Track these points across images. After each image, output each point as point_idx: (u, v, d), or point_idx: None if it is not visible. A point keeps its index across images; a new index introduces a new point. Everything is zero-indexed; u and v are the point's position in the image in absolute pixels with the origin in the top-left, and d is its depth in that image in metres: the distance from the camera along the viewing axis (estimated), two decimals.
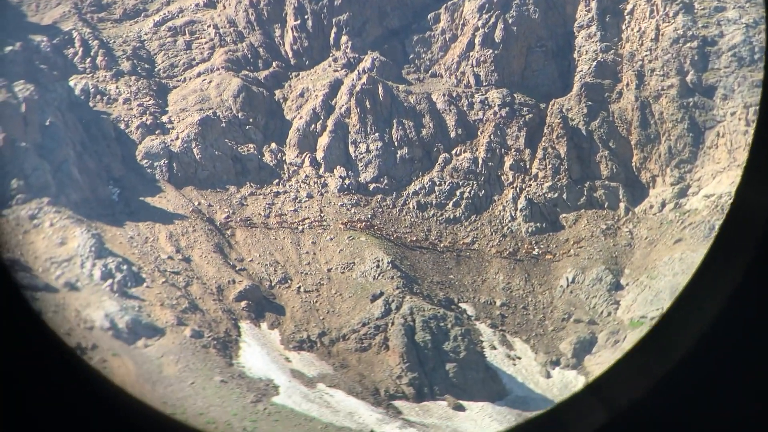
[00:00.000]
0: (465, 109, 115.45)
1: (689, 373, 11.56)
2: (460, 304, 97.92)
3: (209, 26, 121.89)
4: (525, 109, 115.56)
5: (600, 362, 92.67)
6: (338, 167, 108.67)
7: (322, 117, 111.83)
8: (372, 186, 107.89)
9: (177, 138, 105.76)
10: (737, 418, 11.28)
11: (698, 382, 11.54)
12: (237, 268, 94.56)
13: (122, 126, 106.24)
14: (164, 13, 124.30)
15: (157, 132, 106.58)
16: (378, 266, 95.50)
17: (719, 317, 11.41)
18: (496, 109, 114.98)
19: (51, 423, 11.76)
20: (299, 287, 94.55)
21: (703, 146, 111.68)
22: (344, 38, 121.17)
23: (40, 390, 11.96)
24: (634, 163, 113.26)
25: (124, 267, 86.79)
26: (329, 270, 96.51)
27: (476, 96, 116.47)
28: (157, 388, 75.76)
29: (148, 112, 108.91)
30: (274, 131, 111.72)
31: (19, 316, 12.56)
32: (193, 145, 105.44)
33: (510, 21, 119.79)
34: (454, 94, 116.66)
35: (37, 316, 12.76)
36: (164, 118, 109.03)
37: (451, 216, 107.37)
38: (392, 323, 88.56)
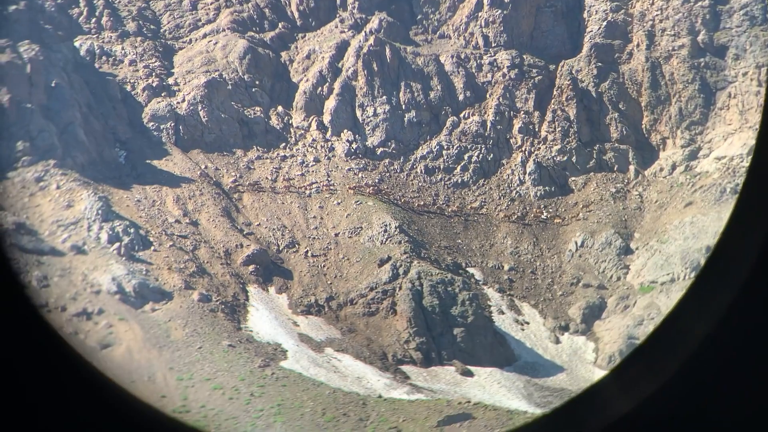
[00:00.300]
0: (473, 71, 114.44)
1: (706, 361, 11.28)
2: (467, 269, 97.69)
3: None
4: (534, 70, 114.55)
5: (609, 327, 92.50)
6: (345, 131, 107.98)
7: (329, 79, 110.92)
8: (379, 150, 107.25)
9: (183, 100, 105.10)
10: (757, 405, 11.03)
11: (715, 370, 11.27)
12: (244, 233, 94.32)
13: (128, 88, 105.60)
14: None
15: (163, 94, 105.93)
16: (385, 231, 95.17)
17: (743, 290, 11.10)
18: (505, 71, 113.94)
19: (47, 418, 11.56)
20: (307, 252, 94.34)
21: (714, 107, 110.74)
22: None
23: (37, 385, 11.71)
24: (644, 125, 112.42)
25: (132, 230, 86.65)
26: (337, 234, 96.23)
27: (485, 58, 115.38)
28: (164, 352, 75.83)
29: (154, 73, 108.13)
30: (281, 94, 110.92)
31: (18, 312, 12.29)
32: (200, 108, 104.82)
33: None
34: (463, 56, 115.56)
35: (37, 313, 12.53)
36: (170, 80, 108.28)
37: (459, 180, 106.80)
38: (400, 288, 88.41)
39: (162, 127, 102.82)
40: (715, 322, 11.20)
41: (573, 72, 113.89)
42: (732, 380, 11.09)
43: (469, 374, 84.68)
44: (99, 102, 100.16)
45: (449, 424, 73.10)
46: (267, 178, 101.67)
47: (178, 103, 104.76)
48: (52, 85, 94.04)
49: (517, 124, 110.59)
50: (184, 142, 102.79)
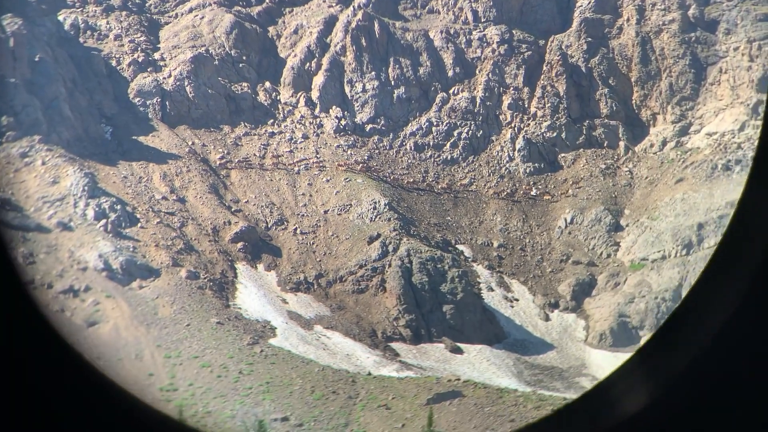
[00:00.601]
0: (463, 46, 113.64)
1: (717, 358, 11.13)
2: (457, 246, 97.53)
3: None
4: (524, 46, 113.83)
5: (600, 305, 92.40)
6: (334, 107, 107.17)
7: (317, 55, 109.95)
8: (368, 127, 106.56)
9: (169, 76, 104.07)
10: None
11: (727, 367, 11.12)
12: (232, 210, 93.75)
13: (113, 63, 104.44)
14: None
15: (149, 69, 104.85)
16: (375, 208, 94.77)
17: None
18: (495, 46, 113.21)
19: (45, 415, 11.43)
20: (296, 229, 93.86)
21: (705, 83, 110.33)
22: None
23: (38, 384, 11.64)
24: (634, 101, 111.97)
25: (118, 207, 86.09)
26: (326, 212, 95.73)
27: (474, 33, 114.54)
28: (151, 330, 75.53)
29: (139, 48, 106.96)
30: (268, 69, 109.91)
31: (23, 314, 12.07)
32: (186, 83, 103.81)
33: None
34: (452, 31, 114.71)
35: (41, 315, 12.34)
36: (156, 55, 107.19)
37: (449, 157, 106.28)
38: (389, 265, 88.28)
39: (148, 102, 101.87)
40: (723, 319, 11.02)
41: (563, 47, 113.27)
42: (742, 378, 10.94)
43: (459, 351, 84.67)
44: (84, 77, 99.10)
45: (439, 402, 72.98)
46: (255, 154, 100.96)
47: (164, 78, 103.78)
48: (36, 59, 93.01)
49: (506, 101, 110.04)
50: (170, 117, 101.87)
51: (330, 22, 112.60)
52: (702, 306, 11.67)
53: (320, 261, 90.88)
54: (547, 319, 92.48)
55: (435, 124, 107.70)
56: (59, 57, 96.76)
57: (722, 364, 10.96)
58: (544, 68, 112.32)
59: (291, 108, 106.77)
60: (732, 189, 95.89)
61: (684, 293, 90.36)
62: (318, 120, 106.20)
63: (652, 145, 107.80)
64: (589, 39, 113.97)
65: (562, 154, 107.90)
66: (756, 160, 11.60)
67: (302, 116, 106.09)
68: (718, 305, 11.16)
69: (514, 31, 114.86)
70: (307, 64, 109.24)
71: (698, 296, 11.99)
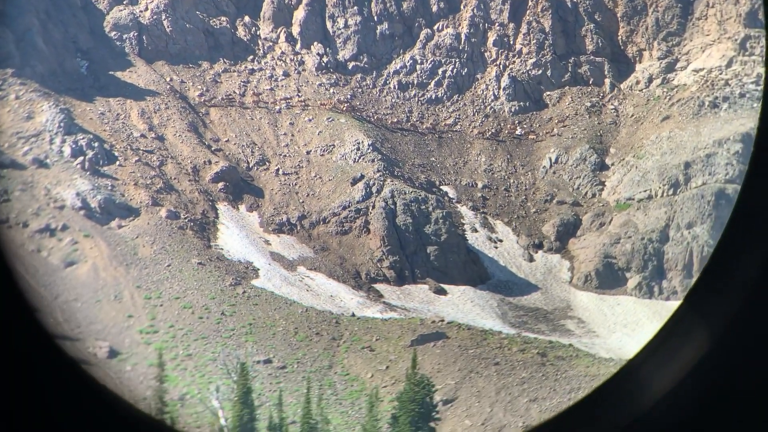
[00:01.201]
0: None
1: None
2: (441, 187, 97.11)
3: None
4: None
5: (585, 246, 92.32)
6: (315, 43, 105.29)
7: None
8: (351, 64, 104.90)
9: (146, 9, 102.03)
10: None
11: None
12: (213, 149, 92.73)
13: None
14: None
15: (125, 2, 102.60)
16: (358, 149, 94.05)
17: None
18: None
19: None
20: (278, 169, 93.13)
21: (692, 17, 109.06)
22: None
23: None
24: (620, 37, 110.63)
25: (96, 144, 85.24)
26: (308, 152, 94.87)
27: None
28: (131, 270, 75.37)
29: None
30: (248, 3, 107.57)
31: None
32: (163, 17, 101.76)
33: None
34: None
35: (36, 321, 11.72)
36: None
37: (433, 96, 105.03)
38: (373, 206, 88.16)
39: (125, 36, 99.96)
40: (726, 321, 10.95)
41: None
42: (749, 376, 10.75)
43: (443, 292, 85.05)
44: (58, 9, 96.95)
45: (423, 344, 73.41)
46: (235, 92, 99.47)
47: (140, 11, 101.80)
48: None
49: (491, 37, 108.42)
50: (148, 52, 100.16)
51: None
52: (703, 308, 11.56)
53: (303, 202, 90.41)
54: (531, 260, 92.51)
55: (419, 61, 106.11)
56: None
57: (728, 365, 10.85)
58: (530, 3, 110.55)
59: (271, 44, 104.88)
60: (719, 127, 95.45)
61: (672, 234, 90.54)
62: (299, 57, 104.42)
63: (638, 82, 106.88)
64: None
65: (547, 92, 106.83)
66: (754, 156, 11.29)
67: (283, 53, 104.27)
68: (716, 311, 11.08)
69: None
70: None
71: (699, 298, 11.89)
